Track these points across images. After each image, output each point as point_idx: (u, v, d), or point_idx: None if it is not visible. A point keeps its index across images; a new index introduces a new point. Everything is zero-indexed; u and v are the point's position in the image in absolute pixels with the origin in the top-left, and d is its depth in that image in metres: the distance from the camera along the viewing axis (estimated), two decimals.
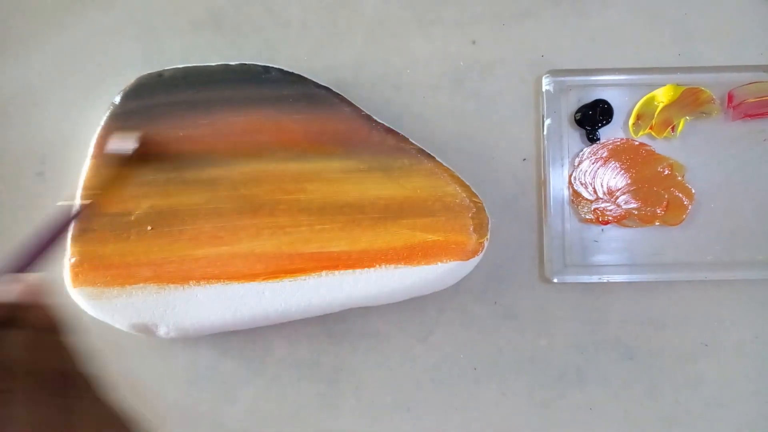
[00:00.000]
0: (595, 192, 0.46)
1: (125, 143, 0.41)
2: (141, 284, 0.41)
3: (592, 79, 0.47)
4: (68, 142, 0.47)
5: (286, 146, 0.43)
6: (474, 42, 0.49)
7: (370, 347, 0.47)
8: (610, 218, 0.46)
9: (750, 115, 0.47)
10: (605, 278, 0.46)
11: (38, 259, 0.31)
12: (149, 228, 0.42)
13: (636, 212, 0.46)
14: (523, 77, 0.48)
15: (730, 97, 0.47)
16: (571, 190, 0.47)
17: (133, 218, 0.42)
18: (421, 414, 0.47)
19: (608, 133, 0.47)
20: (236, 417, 0.47)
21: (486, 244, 0.43)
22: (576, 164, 0.47)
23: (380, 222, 0.42)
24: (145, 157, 0.42)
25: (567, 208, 0.47)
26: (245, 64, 0.44)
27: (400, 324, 0.47)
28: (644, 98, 0.47)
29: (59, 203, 0.39)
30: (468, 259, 0.42)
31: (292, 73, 0.44)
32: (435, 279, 0.42)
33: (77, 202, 0.42)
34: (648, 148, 0.47)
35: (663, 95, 0.46)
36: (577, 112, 0.47)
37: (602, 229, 0.47)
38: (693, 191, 0.46)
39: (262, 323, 0.43)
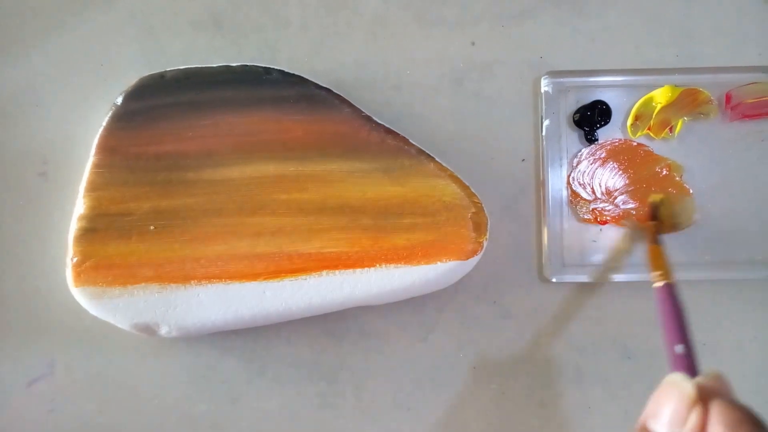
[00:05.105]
0: (593, 192, 0.47)
1: None
2: (143, 284, 0.42)
3: (590, 80, 0.47)
4: (70, 143, 0.47)
5: (286, 147, 0.43)
6: (474, 43, 0.49)
7: (370, 347, 0.47)
8: (609, 218, 0.46)
9: (748, 116, 0.47)
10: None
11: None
12: (151, 228, 0.42)
13: (634, 212, 0.46)
14: (522, 78, 0.48)
15: (728, 98, 0.47)
16: (569, 190, 0.47)
17: (135, 218, 0.42)
18: (421, 414, 0.47)
19: (606, 134, 0.48)
20: (236, 417, 0.47)
21: (485, 243, 0.43)
22: (574, 165, 0.47)
23: (380, 222, 0.43)
24: None
25: (565, 208, 0.47)
26: (246, 65, 0.44)
27: (400, 324, 0.47)
28: (642, 99, 0.47)
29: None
30: (467, 259, 0.43)
31: (293, 74, 0.44)
32: (435, 279, 0.43)
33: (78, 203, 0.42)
34: (646, 148, 0.47)
35: (661, 96, 0.47)
36: (575, 112, 0.47)
37: (600, 229, 0.47)
38: (691, 191, 0.46)
39: (263, 323, 0.43)
